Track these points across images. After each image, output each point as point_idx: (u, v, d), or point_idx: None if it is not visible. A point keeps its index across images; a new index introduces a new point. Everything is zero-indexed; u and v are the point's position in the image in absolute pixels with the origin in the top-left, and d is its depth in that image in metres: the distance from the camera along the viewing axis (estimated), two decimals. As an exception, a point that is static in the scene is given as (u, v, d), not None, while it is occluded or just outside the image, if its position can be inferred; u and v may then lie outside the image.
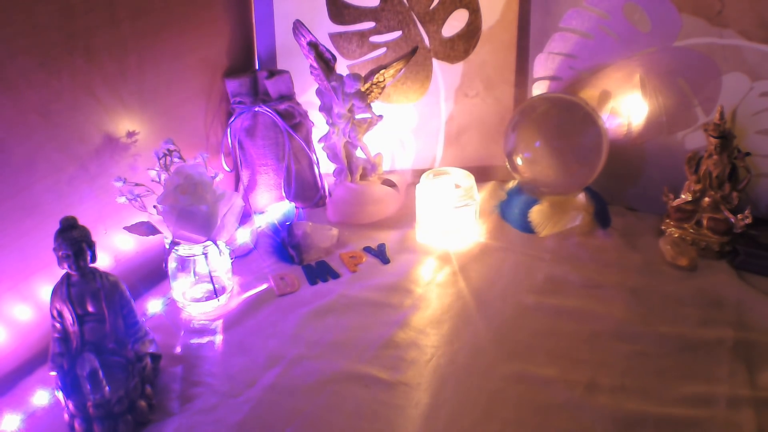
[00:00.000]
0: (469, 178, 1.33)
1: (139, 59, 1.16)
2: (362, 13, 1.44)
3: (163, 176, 1.12)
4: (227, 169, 1.43)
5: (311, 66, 1.37)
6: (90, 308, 0.96)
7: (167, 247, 1.14)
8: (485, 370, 1.04)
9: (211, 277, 1.17)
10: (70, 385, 0.93)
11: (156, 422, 0.96)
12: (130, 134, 1.17)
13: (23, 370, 1.03)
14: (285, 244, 1.32)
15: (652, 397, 0.98)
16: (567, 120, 1.34)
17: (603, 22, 1.36)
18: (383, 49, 1.47)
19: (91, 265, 0.96)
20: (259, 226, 1.40)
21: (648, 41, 1.34)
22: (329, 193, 1.46)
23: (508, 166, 1.42)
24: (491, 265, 1.28)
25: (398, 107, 1.51)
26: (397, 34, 1.46)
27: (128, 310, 1.00)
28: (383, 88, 1.40)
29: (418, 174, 1.39)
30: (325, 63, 1.36)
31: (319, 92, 1.41)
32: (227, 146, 1.41)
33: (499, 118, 1.51)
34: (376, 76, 1.37)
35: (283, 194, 1.44)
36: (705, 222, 1.28)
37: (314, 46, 1.34)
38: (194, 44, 1.30)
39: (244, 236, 1.35)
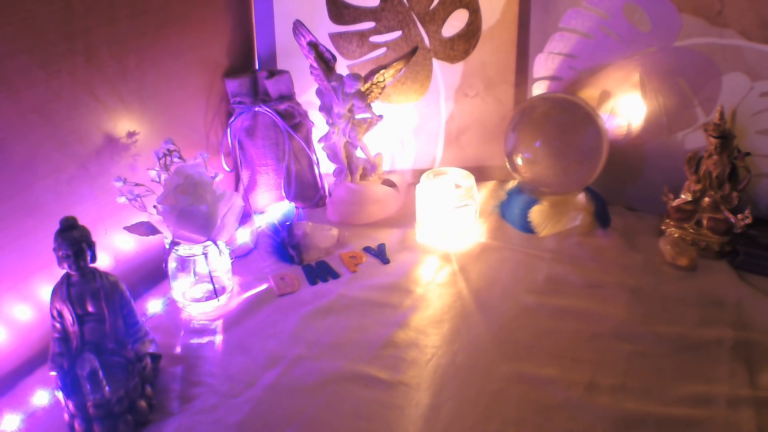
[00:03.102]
0: (469, 178, 1.33)
1: (139, 59, 1.16)
2: (362, 13, 1.44)
3: (163, 176, 1.12)
4: (227, 169, 1.43)
5: (311, 66, 1.37)
6: (90, 308, 0.96)
7: (167, 247, 1.14)
8: (485, 370, 1.04)
9: (211, 277, 1.17)
10: (70, 385, 0.93)
11: (156, 422, 0.96)
12: (130, 134, 1.17)
13: (23, 370, 1.03)
14: (285, 244, 1.32)
15: (652, 397, 0.98)
16: (567, 120, 1.34)
17: (603, 22, 1.36)
18: (383, 49, 1.47)
19: (91, 265, 0.96)
20: (259, 226, 1.40)
21: (648, 41, 1.34)
22: (329, 193, 1.46)
23: (508, 166, 1.42)
24: (491, 265, 1.28)
25: (398, 107, 1.51)
26: (397, 34, 1.46)
27: (128, 310, 1.00)
28: (383, 88, 1.40)
29: (418, 174, 1.39)
30: (325, 63, 1.36)
31: (319, 92, 1.41)
32: (227, 146, 1.41)
33: (499, 118, 1.52)
34: (376, 76, 1.37)
35: (283, 194, 1.44)
36: (705, 222, 1.28)
37: (314, 46, 1.34)
38: (194, 44, 1.30)
39: (244, 236, 1.35)
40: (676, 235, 1.31)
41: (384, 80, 1.38)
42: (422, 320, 1.14)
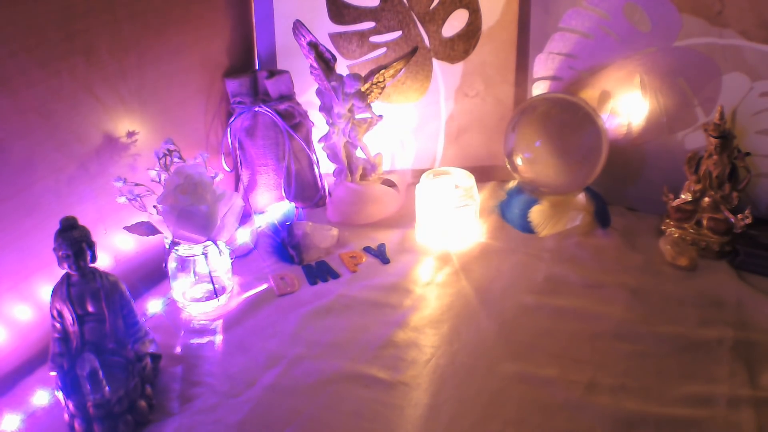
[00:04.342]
0: (469, 178, 1.33)
1: (139, 59, 1.16)
2: (362, 13, 1.44)
3: (163, 176, 1.12)
4: (227, 169, 1.43)
5: (311, 66, 1.37)
6: (90, 308, 0.96)
7: (167, 247, 1.14)
8: (485, 370, 1.04)
9: (211, 277, 1.17)
10: (70, 385, 0.93)
11: (156, 422, 0.96)
12: (130, 134, 1.17)
13: (23, 370, 1.03)
14: (285, 244, 1.32)
15: (652, 397, 0.98)
16: (567, 120, 1.34)
17: (603, 22, 1.36)
18: (383, 49, 1.47)
19: (91, 265, 0.96)
20: (259, 226, 1.40)
21: (648, 41, 1.34)
22: (329, 193, 1.46)
23: (508, 166, 1.42)
24: (491, 265, 1.28)
25: (398, 107, 1.51)
26: (397, 34, 1.46)
27: (128, 310, 1.00)
28: (383, 88, 1.40)
29: (418, 174, 1.39)
30: (325, 63, 1.36)
31: (319, 92, 1.41)
32: (227, 146, 1.41)
33: (499, 118, 1.51)
34: (376, 76, 1.37)
35: (283, 194, 1.44)
36: (705, 222, 1.28)
37: (314, 46, 1.34)
38: (194, 44, 1.30)
39: (244, 236, 1.35)
40: (676, 235, 1.31)
41: (384, 80, 1.38)
42: (422, 320, 1.14)
